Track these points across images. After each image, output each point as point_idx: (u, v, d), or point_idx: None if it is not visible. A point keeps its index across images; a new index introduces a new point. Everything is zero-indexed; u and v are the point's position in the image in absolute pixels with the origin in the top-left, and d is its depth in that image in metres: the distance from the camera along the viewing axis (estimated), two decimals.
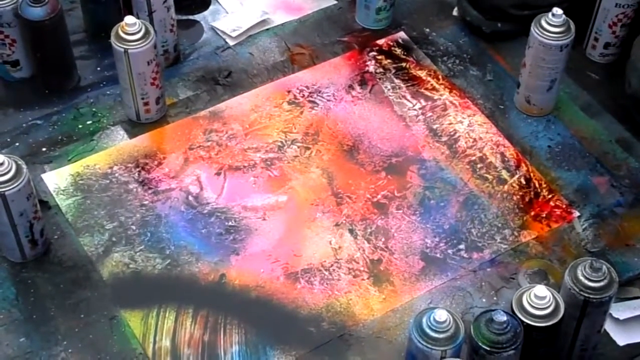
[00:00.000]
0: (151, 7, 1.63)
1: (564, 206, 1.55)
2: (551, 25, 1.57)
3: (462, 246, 1.50)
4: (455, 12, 1.84)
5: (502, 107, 1.70)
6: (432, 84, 1.73)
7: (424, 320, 1.24)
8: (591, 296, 1.27)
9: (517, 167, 1.61)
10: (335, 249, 1.49)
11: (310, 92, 1.71)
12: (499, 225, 1.53)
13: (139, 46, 1.54)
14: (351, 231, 1.52)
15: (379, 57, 1.77)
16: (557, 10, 1.57)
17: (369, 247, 1.50)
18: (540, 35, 1.58)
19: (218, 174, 1.59)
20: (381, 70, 1.75)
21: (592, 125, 1.67)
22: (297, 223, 1.52)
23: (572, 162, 1.62)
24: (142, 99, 1.61)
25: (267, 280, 1.45)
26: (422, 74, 1.74)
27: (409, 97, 1.71)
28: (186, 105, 1.69)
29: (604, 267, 1.28)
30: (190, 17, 1.84)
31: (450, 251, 1.49)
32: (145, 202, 1.54)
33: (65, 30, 1.65)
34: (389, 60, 1.76)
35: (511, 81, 1.72)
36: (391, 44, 1.79)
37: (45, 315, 1.41)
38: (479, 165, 1.61)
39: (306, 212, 1.54)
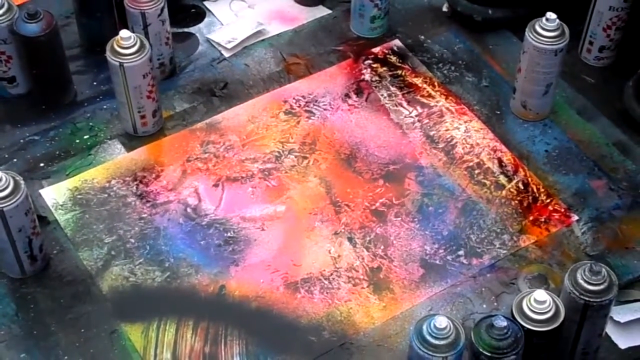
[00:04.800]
0: (146, 20, 1.64)
1: (562, 210, 1.55)
2: (545, 30, 1.58)
3: (461, 252, 1.50)
4: (445, 8, 1.84)
5: (498, 112, 1.70)
6: (428, 91, 1.73)
7: (424, 327, 1.24)
8: (591, 300, 1.27)
9: (515, 172, 1.61)
10: (334, 258, 1.49)
11: (306, 102, 1.71)
12: (498, 230, 1.53)
13: (134, 60, 1.55)
14: (350, 239, 1.52)
15: (375, 65, 1.77)
16: (551, 15, 1.57)
17: (368, 255, 1.50)
18: (535, 40, 1.58)
19: (216, 185, 1.59)
20: (377, 78, 1.75)
21: (589, 129, 1.67)
22: (295, 233, 1.52)
23: (569, 166, 1.62)
24: (139, 112, 1.62)
25: (267, 290, 1.45)
26: (417, 81, 1.75)
27: (405, 104, 1.71)
28: (183, 117, 1.69)
29: (604, 270, 1.28)
30: (186, 29, 1.84)
31: (449, 257, 1.49)
32: (144, 215, 1.54)
33: (61, 46, 1.66)
34: (384, 68, 1.76)
35: (507, 86, 1.72)
36: (386, 51, 1.79)
37: (45, 330, 1.41)
38: (476, 171, 1.61)
39: (305, 222, 1.54)
